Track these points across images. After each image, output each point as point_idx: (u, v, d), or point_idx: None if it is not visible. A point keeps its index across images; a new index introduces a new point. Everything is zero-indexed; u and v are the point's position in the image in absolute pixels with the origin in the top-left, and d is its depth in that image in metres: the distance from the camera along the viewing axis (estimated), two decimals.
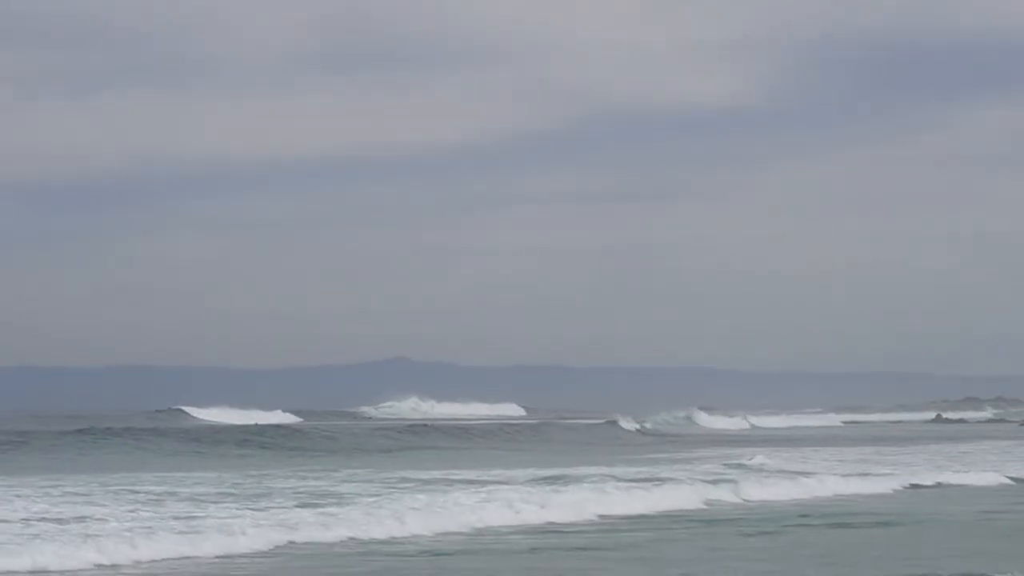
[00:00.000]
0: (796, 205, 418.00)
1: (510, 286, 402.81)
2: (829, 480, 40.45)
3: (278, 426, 71.85)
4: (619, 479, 39.09)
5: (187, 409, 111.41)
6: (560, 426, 77.39)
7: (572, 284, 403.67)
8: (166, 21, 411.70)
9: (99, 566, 22.84)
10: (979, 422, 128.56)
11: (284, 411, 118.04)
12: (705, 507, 33.95)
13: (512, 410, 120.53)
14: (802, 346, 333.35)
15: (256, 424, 78.12)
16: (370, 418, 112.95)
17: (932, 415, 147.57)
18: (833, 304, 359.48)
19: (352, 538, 26.34)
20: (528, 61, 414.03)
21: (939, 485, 41.37)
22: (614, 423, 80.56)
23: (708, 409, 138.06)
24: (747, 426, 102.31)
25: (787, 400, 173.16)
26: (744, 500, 35.84)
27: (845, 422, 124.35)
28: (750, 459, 49.22)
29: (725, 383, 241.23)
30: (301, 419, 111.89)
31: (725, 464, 47.49)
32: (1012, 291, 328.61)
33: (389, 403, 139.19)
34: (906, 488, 40.03)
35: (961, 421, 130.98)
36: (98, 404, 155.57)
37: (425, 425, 72.26)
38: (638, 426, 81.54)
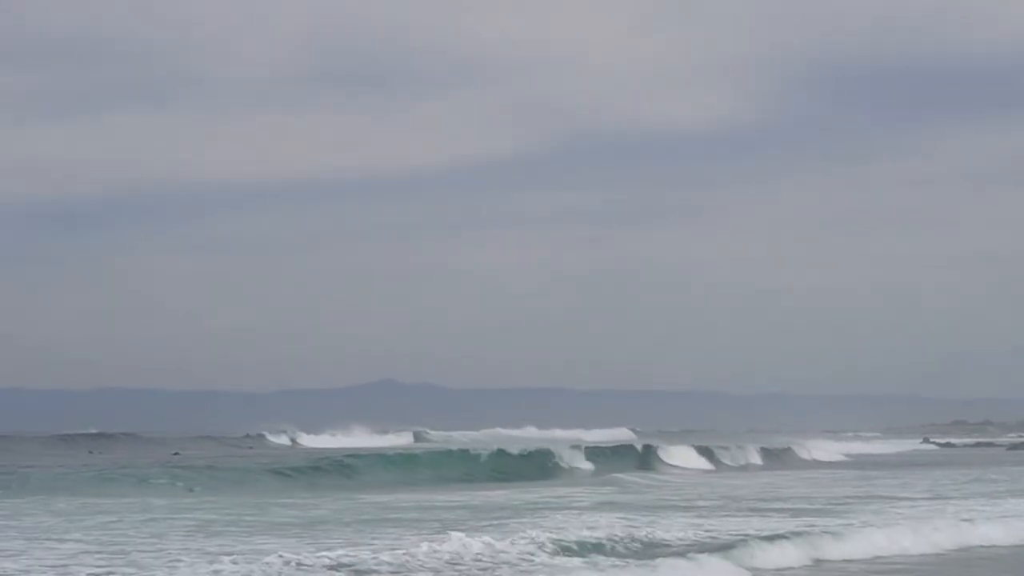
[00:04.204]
0: (785, 227, 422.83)
1: (498, 308, 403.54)
2: None
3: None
4: None
5: (268, 436, 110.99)
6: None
7: (560, 305, 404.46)
8: (157, 43, 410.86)
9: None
10: (966, 446, 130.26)
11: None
12: None
13: (624, 434, 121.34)
14: (788, 368, 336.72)
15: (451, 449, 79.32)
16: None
17: (919, 439, 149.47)
18: (819, 326, 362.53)
19: None
20: (520, 82, 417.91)
21: None
22: (788, 449, 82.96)
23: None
24: (869, 452, 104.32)
25: (774, 423, 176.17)
26: None
27: (939, 444, 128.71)
28: None
29: (712, 406, 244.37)
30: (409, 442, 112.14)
31: None
32: (1000, 314, 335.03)
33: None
34: None
35: (948, 445, 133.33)
36: (90, 426, 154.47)
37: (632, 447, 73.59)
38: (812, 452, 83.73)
